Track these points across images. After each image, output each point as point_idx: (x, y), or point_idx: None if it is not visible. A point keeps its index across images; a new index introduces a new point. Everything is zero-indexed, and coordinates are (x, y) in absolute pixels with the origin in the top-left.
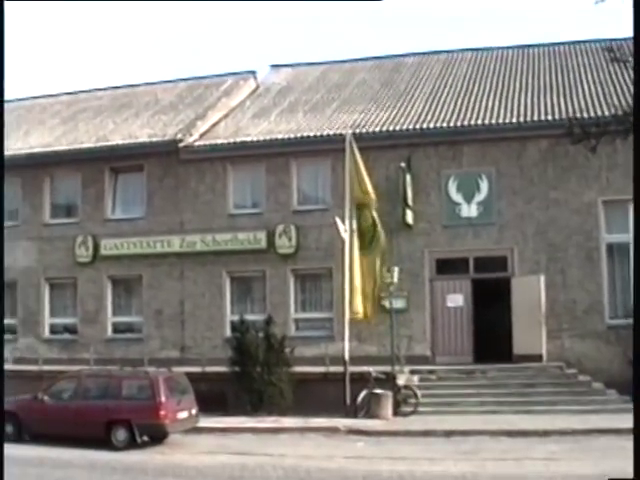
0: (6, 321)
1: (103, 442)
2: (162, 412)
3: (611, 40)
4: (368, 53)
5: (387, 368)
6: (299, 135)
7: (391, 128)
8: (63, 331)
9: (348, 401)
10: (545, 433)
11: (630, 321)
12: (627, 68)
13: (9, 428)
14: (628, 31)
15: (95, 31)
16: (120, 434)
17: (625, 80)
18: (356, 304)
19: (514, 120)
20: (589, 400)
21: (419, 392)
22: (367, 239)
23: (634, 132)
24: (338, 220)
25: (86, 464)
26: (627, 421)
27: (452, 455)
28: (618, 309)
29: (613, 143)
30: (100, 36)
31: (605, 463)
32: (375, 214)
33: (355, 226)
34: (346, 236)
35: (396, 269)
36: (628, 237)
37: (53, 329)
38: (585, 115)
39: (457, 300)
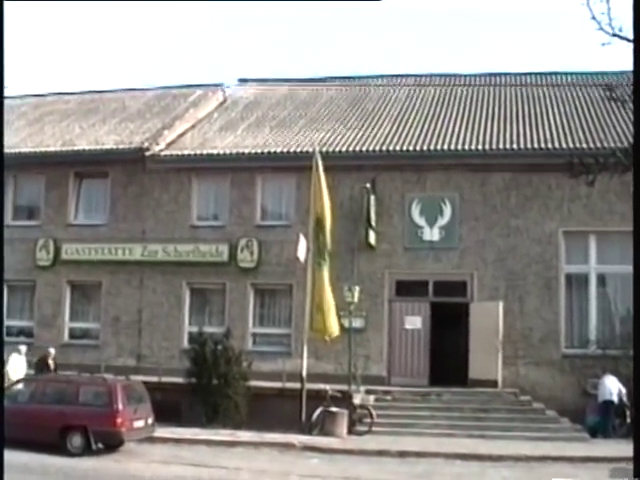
0: None
1: (58, 447)
2: (119, 420)
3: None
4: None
5: (343, 387)
6: (265, 150)
7: (357, 148)
8: (19, 334)
9: (303, 418)
10: (499, 458)
11: (585, 351)
12: (622, 108)
13: None
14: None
15: (65, 35)
16: (75, 440)
17: (590, 114)
18: (329, 322)
19: (480, 147)
20: (542, 427)
21: (374, 412)
22: (323, 257)
23: (634, 138)
24: (302, 236)
25: (40, 469)
26: (579, 449)
27: (406, 477)
28: (574, 339)
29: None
30: (70, 40)
31: None
32: (327, 233)
33: (315, 243)
34: (302, 255)
35: (357, 288)
36: (587, 268)
37: (9, 331)
38: (550, 146)
39: (415, 322)
